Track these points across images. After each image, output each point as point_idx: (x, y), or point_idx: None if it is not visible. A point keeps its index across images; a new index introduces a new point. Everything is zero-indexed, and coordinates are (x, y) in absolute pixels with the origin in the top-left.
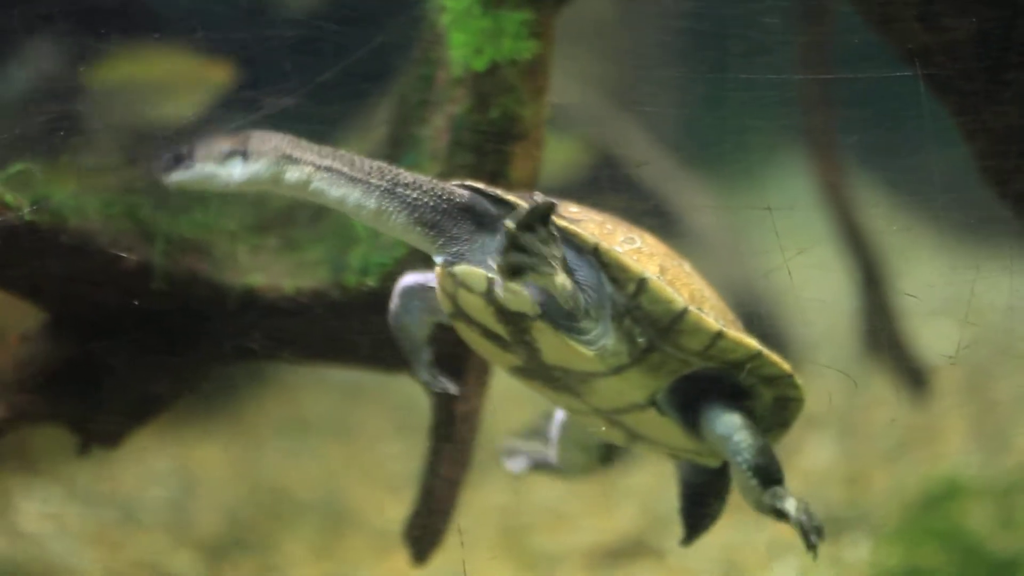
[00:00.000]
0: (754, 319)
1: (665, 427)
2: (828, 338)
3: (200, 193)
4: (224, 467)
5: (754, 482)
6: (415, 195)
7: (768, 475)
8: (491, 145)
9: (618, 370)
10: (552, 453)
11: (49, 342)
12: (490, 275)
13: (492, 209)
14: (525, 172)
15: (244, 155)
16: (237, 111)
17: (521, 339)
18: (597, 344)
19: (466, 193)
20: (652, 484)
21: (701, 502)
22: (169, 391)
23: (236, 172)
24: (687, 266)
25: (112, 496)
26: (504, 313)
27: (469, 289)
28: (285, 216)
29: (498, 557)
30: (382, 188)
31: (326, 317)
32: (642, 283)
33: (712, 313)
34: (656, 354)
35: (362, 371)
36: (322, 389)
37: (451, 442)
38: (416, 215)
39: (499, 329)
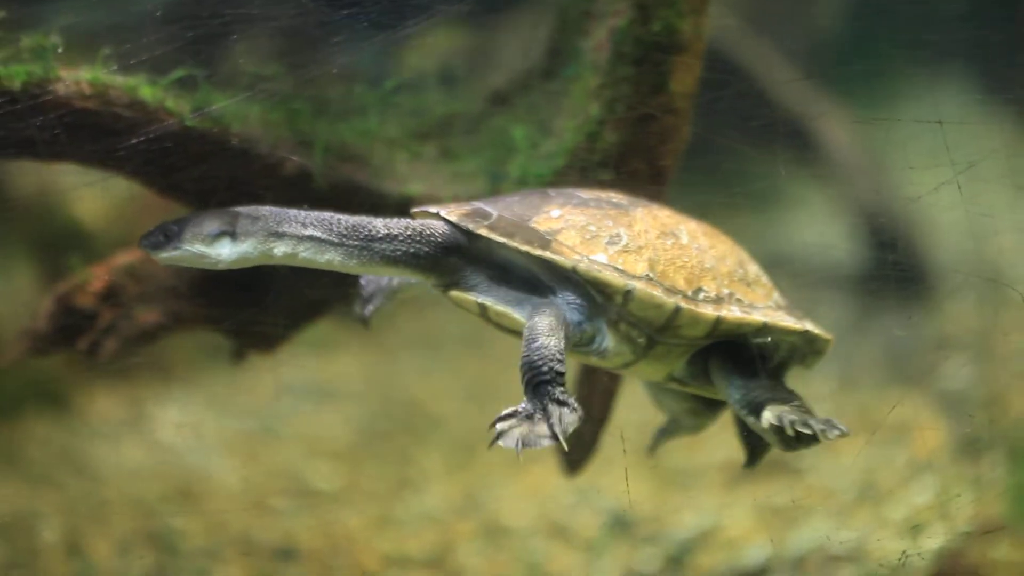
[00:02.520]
0: (893, 242)
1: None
2: (977, 256)
3: (359, 103)
4: (358, 381)
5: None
6: (391, 247)
7: (757, 411)
8: (652, 57)
9: (626, 365)
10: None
11: None
12: (480, 300)
13: (466, 244)
14: (685, 84)
15: (232, 235)
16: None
17: None
18: (598, 348)
19: (441, 228)
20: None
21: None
22: (329, 296)
23: (225, 252)
24: (685, 235)
25: (249, 407)
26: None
27: (462, 306)
28: (443, 125)
29: (635, 475)
30: (358, 247)
31: None
32: (628, 294)
33: (715, 285)
34: (660, 347)
35: None
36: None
37: None
38: (397, 263)
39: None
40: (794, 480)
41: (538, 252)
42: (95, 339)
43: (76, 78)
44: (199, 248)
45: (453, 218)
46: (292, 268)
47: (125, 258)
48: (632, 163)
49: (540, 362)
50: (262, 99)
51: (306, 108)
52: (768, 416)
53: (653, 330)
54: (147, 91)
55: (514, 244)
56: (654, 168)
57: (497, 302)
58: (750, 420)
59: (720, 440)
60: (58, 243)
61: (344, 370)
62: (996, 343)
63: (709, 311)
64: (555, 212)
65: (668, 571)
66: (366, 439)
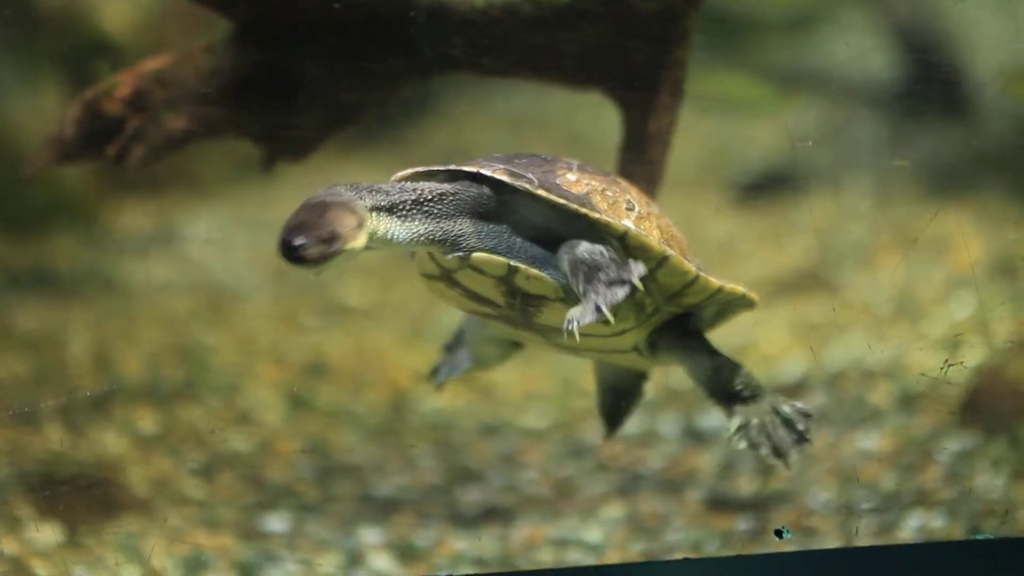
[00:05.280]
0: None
1: (631, 359)
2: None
3: None
4: None
5: (713, 400)
6: (440, 207)
7: (723, 394)
8: None
9: (621, 332)
10: (465, 357)
11: (236, 53)
12: (512, 263)
13: (490, 200)
14: None
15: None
16: None
17: (521, 307)
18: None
19: (457, 186)
20: (825, 218)
21: (620, 402)
22: (363, 100)
23: (360, 243)
24: (655, 204)
25: (279, 221)
26: (515, 291)
27: (481, 272)
28: None
29: None
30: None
31: (522, 30)
32: (663, 261)
33: (692, 254)
34: (658, 315)
35: (556, 86)
36: (489, 119)
37: (643, 163)
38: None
39: (497, 298)
40: (830, 295)
41: (596, 216)
42: (123, 145)
43: None
44: (351, 245)
45: (505, 178)
46: (326, 70)
47: (153, 64)
48: None
49: (589, 254)
50: None
51: None
52: (735, 432)
53: (664, 297)
54: None
55: (573, 207)
56: None
57: (526, 263)
58: (713, 402)
59: (755, 257)
60: (84, 55)
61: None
62: None
63: (713, 280)
64: (571, 176)
65: None
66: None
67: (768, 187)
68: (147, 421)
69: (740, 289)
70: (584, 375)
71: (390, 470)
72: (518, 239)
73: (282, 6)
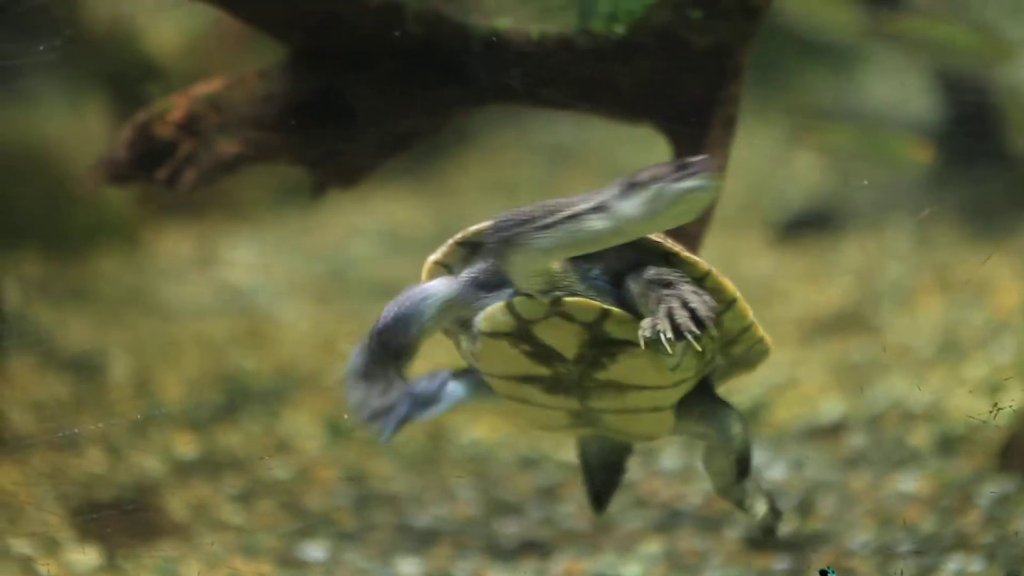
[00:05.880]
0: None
1: (661, 421)
2: None
3: None
4: (427, 225)
5: (734, 471)
6: None
7: (746, 469)
8: None
9: (678, 384)
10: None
11: (290, 78)
12: (606, 306)
13: None
14: None
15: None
16: None
17: (594, 359)
18: (680, 359)
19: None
20: (866, 259)
21: (609, 479)
22: (417, 129)
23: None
24: None
25: (318, 250)
26: (596, 340)
27: (571, 318)
28: None
29: None
30: None
31: (577, 63)
32: (732, 303)
33: None
34: (710, 365)
35: (609, 119)
36: (528, 152)
37: None
38: None
39: (571, 351)
40: (872, 336)
41: (685, 254)
42: (175, 168)
43: None
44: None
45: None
46: (382, 96)
47: (206, 87)
48: (724, 1)
49: (668, 275)
50: None
51: None
52: (759, 507)
53: (720, 344)
54: None
55: (666, 245)
56: (746, 6)
57: (612, 305)
58: (732, 472)
59: (798, 294)
60: (131, 78)
61: (415, 214)
62: None
63: (758, 326)
64: None
65: None
66: None
67: (809, 225)
68: (187, 446)
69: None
70: None
71: (428, 500)
72: (599, 280)
73: (339, 32)
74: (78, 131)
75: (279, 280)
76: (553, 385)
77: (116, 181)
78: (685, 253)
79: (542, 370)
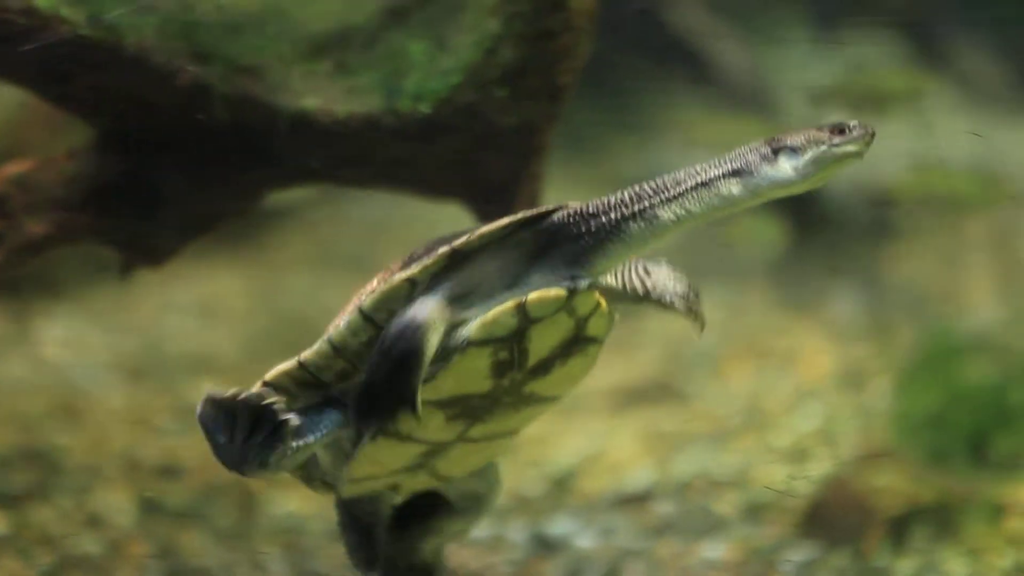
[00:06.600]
0: None
1: (496, 452)
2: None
3: (256, 15)
4: (245, 298)
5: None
6: None
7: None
8: None
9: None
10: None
11: (99, 159)
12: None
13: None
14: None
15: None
16: None
17: (547, 362)
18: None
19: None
20: (676, 329)
21: (371, 535)
22: (223, 209)
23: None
24: None
25: (134, 324)
26: (576, 337)
27: (573, 311)
28: (339, 39)
29: None
30: None
31: (382, 142)
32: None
33: None
34: None
35: (415, 197)
36: (345, 226)
37: None
38: None
39: (544, 353)
40: (680, 405)
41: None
42: None
43: None
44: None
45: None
46: (187, 179)
47: (15, 168)
48: (530, 80)
49: None
50: (157, 10)
51: (201, 20)
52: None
53: None
54: None
55: None
56: (551, 86)
57: None
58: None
59: (607, 365)
60: None
61: (231, 288)
62: (883, 271)
63: None
64: None
65: (552, 494)
66: (251, 357)
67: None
68: None
69: None
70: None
71: (239, 573)
72: None
73: (147, 114)
74: None
75: (94, 356)
76: (468, 407)
77: None
78: None
79: (485, 385)
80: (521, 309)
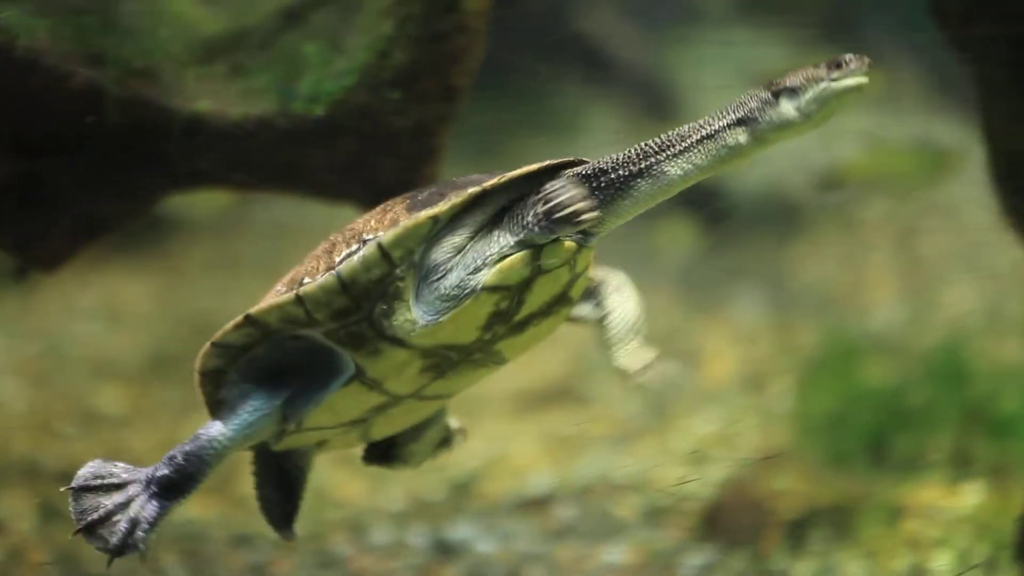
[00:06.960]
0: None
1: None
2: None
3: (151, 17)
4: (149, 303)
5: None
6: None
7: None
8: None
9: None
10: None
11: None
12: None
13: None
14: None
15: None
16: None
17: (535, 314)
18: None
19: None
20: (580, 333)
21: (288, 498)
22: (116, 213)
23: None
24: None
25: (37, 330)
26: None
27: (573, 265)
28: (233, 42)
29: None
30: None
31: (275, 144)
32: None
33: None
34: None
35: (309, 199)
36: (249, 229)
37: None
38: None
39: (537, 304)
40: (582, 408)
41: None
42: None
43: None
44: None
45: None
46: (79, 181)
47: None
48: (423, 82)
49: None
50: (50, 11)
51: (95, 21)
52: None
53: None
54: None
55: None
56: (445, 88)
57: None
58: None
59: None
60: None
61: (135, 293)
62: (788, 272)
63: None
64: None
65: (453, 499)
66: (154, 362)
67: None
68: None
69: None
70: (337, 487)
71: None
72: None
73: (40, 116)
74: None
75: None
76: (443, 359)
77: None
78: None
79: (472, 335)
80: (536, 257)
